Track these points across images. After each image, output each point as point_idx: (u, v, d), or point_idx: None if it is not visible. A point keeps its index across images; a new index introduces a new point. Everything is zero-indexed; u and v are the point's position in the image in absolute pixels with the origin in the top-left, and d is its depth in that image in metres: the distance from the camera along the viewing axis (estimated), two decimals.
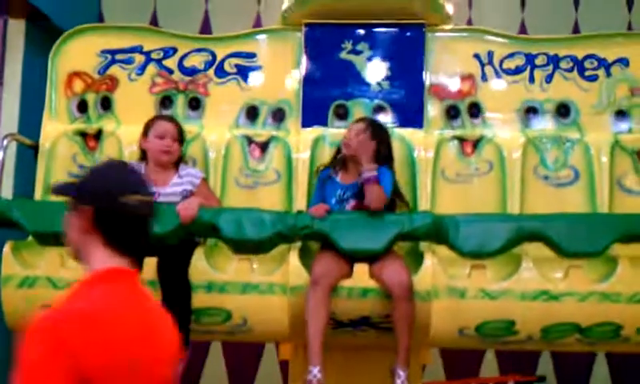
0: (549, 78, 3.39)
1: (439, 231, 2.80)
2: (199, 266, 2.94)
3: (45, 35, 3.88)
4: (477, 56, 3.42)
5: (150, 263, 2.90)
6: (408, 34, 3.39)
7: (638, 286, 2.83)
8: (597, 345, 2.99)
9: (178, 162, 3.13)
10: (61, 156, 3.42)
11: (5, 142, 3.18)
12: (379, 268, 2.81)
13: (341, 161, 3.08)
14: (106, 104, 3.49)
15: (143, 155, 3.12)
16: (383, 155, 3.00)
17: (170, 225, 2.83)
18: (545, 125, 3.38)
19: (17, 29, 3.90)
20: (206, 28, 4.57)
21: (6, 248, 3.02)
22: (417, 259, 2.96)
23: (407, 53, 3.39)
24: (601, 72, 3.37)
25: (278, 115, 3.46)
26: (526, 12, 4.57)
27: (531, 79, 3.40)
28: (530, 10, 4.58)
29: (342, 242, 2.79)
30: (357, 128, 3.05)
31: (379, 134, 3.04)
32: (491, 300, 2.87)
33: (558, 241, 2.77)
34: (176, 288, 2.86)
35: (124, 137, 3.42)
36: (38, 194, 3.36)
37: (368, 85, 3.40)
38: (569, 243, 2.76)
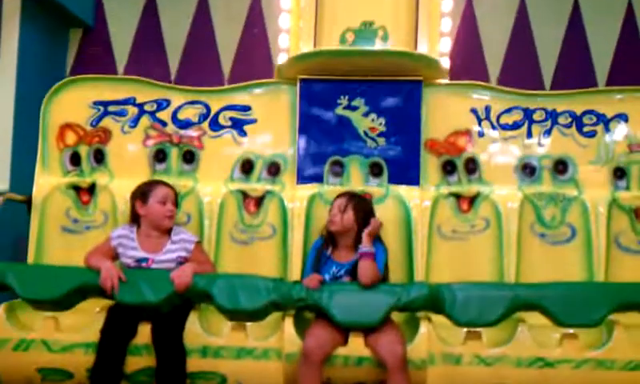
0: (547, 134, 3.44)
1: (436, 302, 2.83)
2: (194, 330, 2.98)
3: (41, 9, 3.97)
4: (474, 111, 3.46)
5: (145, 328, 2.97)
6: (404, 89, 3.41)
7: (633, 354, 2.87)
8: None
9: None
10: (54, 210, 3.47)
11: None
12: (374, 339, 2.84)
13: (331, 239, 3.13)
14: (99, 157, 3.52)
15: (134, 218, 3.15)
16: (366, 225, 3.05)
17: (165, 292, 2.88)
18: (542, 181, 3.42)
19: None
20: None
21: (1, 311, 3.05)
22: (413, 326, 3.00)
23: (403, 108, 3.41)
24: (599, 128, 3.42)
25: (273, 169, 3.50)
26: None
27: (529, 135, 3.44)
28: None
29: (338, 315, 2.83)
30: (339, 204, 3.11)
31: (362, 207, 3.10)
32: (486, 366, 2.91)
33: (555, 312, 2.80)
34: (170, 353, 2.91)
35: (117, 191, 3.46)
36: (32, 249, 3.41)
37: (364, 141, 3.43)
38: (565, 315, 2.80)
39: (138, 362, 2.92)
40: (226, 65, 4.39)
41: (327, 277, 3.05)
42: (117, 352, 2.89)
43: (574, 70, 4.25)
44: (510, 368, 2.91)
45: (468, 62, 4.17)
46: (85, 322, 3.04)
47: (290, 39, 3.64)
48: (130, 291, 2.88)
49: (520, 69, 4.26)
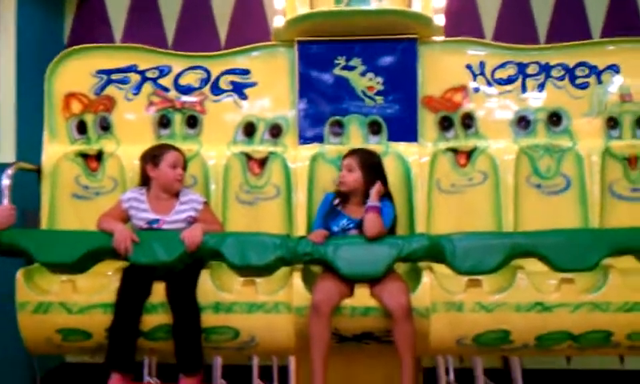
0: (540, 87, 3.53)
1: (436, 252, 2.97)
2: (206, 287, 3.12)
3: None
4: (469, 67, 3.54)
5: (159, 287, 3.12)
6: (400, 48, 3.48)
7: (628, 296, 3.03)
8: (588, 350, 3.19)
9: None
10: (64, 178, 3.56)
11: (10, 171, 3.31)
12: (379, 290, 2.99)
13: (342, 194, 3.24)
14: (105, 124, 3.60)
15: (144, 181, 3.26)
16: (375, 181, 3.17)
17: (176, 252, 3.02)
18: (537, 134, 3.52)
19: None
20: None
21: (19, 275, 3.17)
22: (415, 276, 3.14)
23: (400, 67, 3.49)
24: (592, 79, 3.52)
25: (275, 131, 3.59)
26: None
27: (523, 88, 3.53)
28: None
29: (343, 268, 2.97)
30: (348, 164, 3.23)
31: (370, 165, 3.22)
32: (487, 312, 3.06)
33: (551, 258, 2.95)
34: (185, 310, 3.06)
35: (124, 157, 3.55)
36: (44, 217, 3.52)
37: (362, 100, 3.52)
38: (561, 260, 2.94)
39: (154, 319, 3.07)
40: (222, 29, 4.46)
41: (336, 229, 3.18)
42: (133, 311, 3.03)
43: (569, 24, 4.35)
44: (510, 313, 3.06)
45: (463, 17, 4.24)
46: (101, 284, 3.17)
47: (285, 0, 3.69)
48: (143, 252, 3.01)
49: (514, 23, 4.34)
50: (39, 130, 3.64)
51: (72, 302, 3.13)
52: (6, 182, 3.28)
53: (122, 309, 3.03)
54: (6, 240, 3.07)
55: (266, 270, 3.05)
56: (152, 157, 3.27)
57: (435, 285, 3.08)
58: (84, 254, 3.02)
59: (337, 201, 3.25)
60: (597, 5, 4.35)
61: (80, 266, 3.07)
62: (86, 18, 4.54)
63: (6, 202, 3.23)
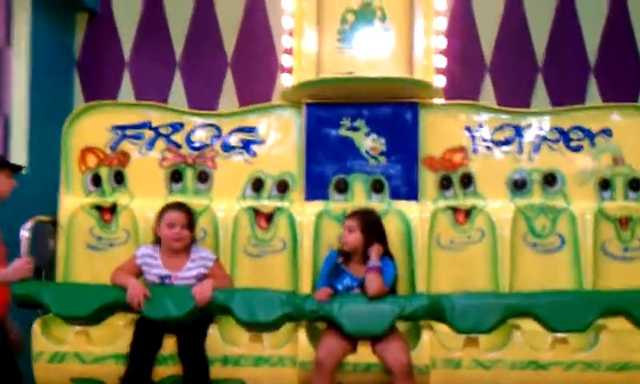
0: (536, 149, 3.69)
1: (436, 312, 3.11)
2: (215, 341, 3.25)
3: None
4: (468, 128, 3.71)
5: (170, 340, 3.23)
6: (402, 111, 3.67)
7: (619, 356, 3.15)
8: None
9: (190, 243, 3.40)
10: (79, 229, 3.72)
11: (29, 224, 3.46)
12: (381, 347, 3.12)
13: (345, 253, 3.38)
14: (119, 178, 3.77)
15: (158, 240, 3.41)
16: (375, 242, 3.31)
17: (187, 307, 3.15)
18: (533, 194, 3.67)
19: None
20: None
21: (35, 326, 3.31)
22: (416, 333, 3.27)
23: (402, 129, 3.67)
24: (586, 143, 3.67)
25: (282, 187, 3.75)
26: None
27: (520, 150, 3.69)
28: None
29: (347, 325, 3.10)
30: (349, 225, 3.36)
31: (369, 227, 3.34)
32: (485, 369, 3.19)
33: (546, 319, 3.09)
34: (195, 362, 3.19)
35: (138, 210, 3.72)
36: (60, 266, 3.67)
37: (366, 160, 3.69)
38: (556, 321, 3.09)
39: (165, 370, 3.21)
40: (229, 45, 4.60)
41: (340, 287, 3.31)
42: (146, 362, 3.17)
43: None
44: (506, 370, 3.19)
45: (464, 41, 4.40)
46: (113, 335, 3.31)
47: (293, 21, 3.83)
48: (155, 307, 3.15)
49: (513, 51, 4.49)
50: (50, 139, 3.85)
51: (86, 352, 3.28)
52: (25, 234, 3.45)
53: (135, 360, 3.16)
54: (24, 292, 3.22)
55: (272, 326, 3.19)
56: (157, 217, 3.41)
57: (435, 342, 3.21)
58: (99, 308, 3.17)
59: (340, 259, 3.40)
60: (592, 36, 4.48)
61: (94, 318, 3.22)
62: (96, 35, 4.67)
63: (23, 254, 3.39)
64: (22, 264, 3.28)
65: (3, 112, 4.05)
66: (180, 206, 3.42)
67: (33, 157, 4.02)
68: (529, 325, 3.21)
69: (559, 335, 3.21)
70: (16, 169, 3.51)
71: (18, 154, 4.01)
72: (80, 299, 3.21)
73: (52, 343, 3.30)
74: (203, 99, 4.50)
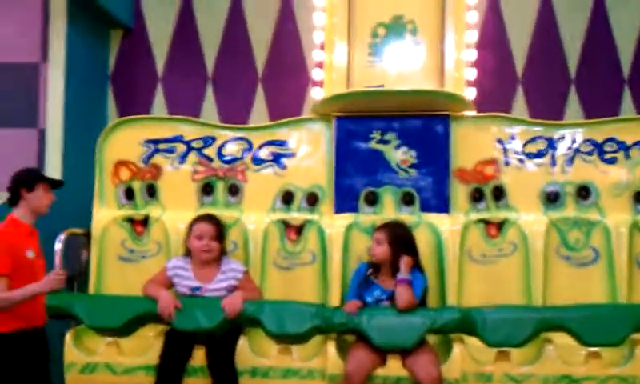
0: (569, 162, 3.66)
1: (467, 325, 3.10)
2: (244, 353, 3.29)
3: (84, 11, 4.31)
4: (500, 141, 3.69)
5: (199, 351, 3.28)
6: (433, 124, 3.67)
7: None
8: None
9: (221, 255, 3.44)
10: (111, 241, 3.79)
11: (63, 237, 3.54)
12: (411, 361, 3.11)
13: (375, 265, 3.39)
14: (152, 191, 3.84)
15: (189, 252, 3.44)
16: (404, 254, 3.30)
17: (217, 319, 3.18)
18: (566, 207, 3.64)
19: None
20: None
21: (68, 337, 3.39)
22: (446, 347, 3.26)
23: (433, 141, 3.67)
24: (620, 155, 3.63)
25: (312, 199, 3.77)
26: None
27: (553, 162, 3.66)
28: None
29: (376, 338, 3.11)
30: (377, 237, 3.36)
31: (398, 239, 3.34)
32: None
33: (579, 332, 3.05)
34: (224, 374, 3.22)
35: (169, 222, 3.77)
36: (93, 278, 3.74)
37: (396, 172, 3.69)
38: (589, 335, 3.05)
39: (195, 382, 3.25)
40: (260, 60, 4.66)
41: (370, 299, 3.32)
42: (176, 373, 3.21)
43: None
44: None
45: (495, 54, 4.39)
46: (144, 346, 3.37)
47: (324, 35, 3.88)
48: (186, 318, 3.18)
49: (545, 63, 4.47)
50: (84, 152, 3.97)
51: (117, 363, 3.34)
52: (58, 246, 3.53)
53: (165, 371, 3.20)
54: (57, 303, 3.29)
55: (301, 338, 3.20)
56: (187, 229, 3.45)
57: (465, 356, 3.19)
58: (130, 319, 3.22)
59: (370, 271, 3.40)
60: (626, 47, 4.43)
61: (126, 329, 3.26)
62: (130, 50, 4.77)
63: (57, 266, 3.46)
64: (54, 276, 3.36)
65: (39, 126, 4.16)
66: (209, 218, 3.45)
67: (67, 170, 4.12)
68: (561, 338, 3.18)
69: (593, 349, 3.17)
70: (56, 184, 3.60)
71: (53, 168, 4.11)
72: (112, 311, 3.26)
73: (84, 354, 3.38)
74: (234, 113, 4.55)
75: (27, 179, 3.46)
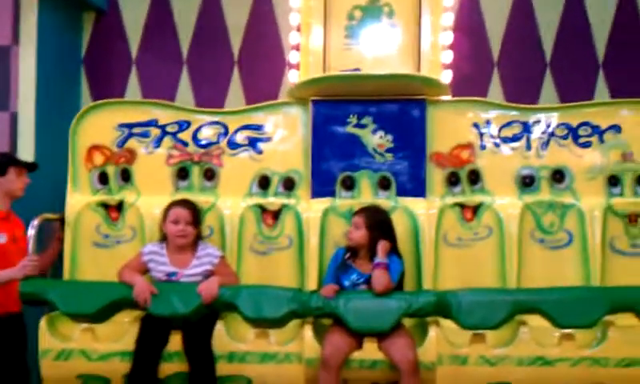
0: (544, 146, 3.71)
1: (443, 308, 3.15)
2: (221, 337, 3.30)
3: None
4: (476, 125, 3.73)
5: (176, 336, 3.28)
6: (409, 107, 3.69)
7: (626, 352, 3.19)
8: None
9: (197, 240, 3.45)
10: (85, 227, 3.77)
11: (36, 222, 3.50)
12: (387, 344, 3.16)
13: (352, 249, 3.42)
14: (126, 176, 3.82)
15: (164, 237, 3.44)
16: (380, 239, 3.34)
17: (193, 304, 3.20)
18: (541, 190, 3.69)
19: None
20: None
21: (42, 323, 3.37)
22: (422, 330, 3.31)
23: (409, 125, 3.69)
24: (594, 139, 3.69)
25: (289, 184, 3.78)
26: None
27: (528, 146, 3.71)
28: None
29: (352, 322, 3.15)
30: (355, 222, 3.40)
31: (375, 224, 3.38)
32: (491, 366, 3.23)
33: (553, 315, 3.13)
34: (201, 359, 3.24)
35: (144, 207, 3.77)
36: (67, 264, 3.72)
37: (373, 157, 3.71)
38: (563, 317, 3.12)
39: (171, 367, 3.26)
40: (236, 43, 4.61)
41: (347, 283, 3.36)
42: (152, 359, 3.22)
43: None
44: (513, 367, 3.23)
45: (471, 37, 4.41)
46: (119, 332, 3.37)
47: (300, 17, 3.86)
48: (161, 304, 3.20)
49: (521, 47, 4.50)
50: (57, 137, 3.94)
51: (92, 350, 3.34)
52: (32, 232, 3.50)
53: (141, 357, 3.21)
54: (31, 290, 3.29)
55: (278, 323, 3.23)
56: (163, 214, 3.46)
57: (441, 338, 3.24)
58: (105, 305, 3.22)
59: (347, 255, 3.43)
60: (600, 31, 4.47)
61: (101, 316, 3.27)
62: (103, 33, 4.70)
63: (30, 251, 3.44)
64: (28, 262, 3.35)
65: (10, 109, 4.11)
66: (185, 203, 3.46)
67: (40, 154, 4.07)
68: (536, 321, 3.24)
69: (566, 331, 3.23)
70: (30, 167, 3.57)
71: (26, 152, 4.06)
72: (87, 297, 3.27)
73: (58, 340, 3.37)
74: (210, 97, 4.52)
75: None
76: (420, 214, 3.64)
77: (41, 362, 3.35)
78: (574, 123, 3.71)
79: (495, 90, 4.49)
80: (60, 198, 3.85)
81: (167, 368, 3.26)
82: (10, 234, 3.48)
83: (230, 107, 4.28)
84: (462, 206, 3.71)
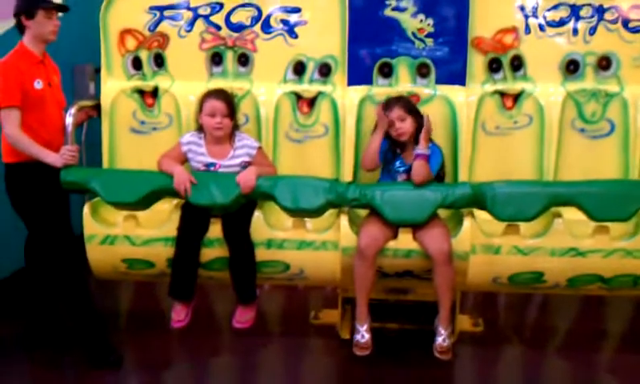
0: (592, 31, 3.70)
1: (478, 200, 3.32)
2: (259, 226, 3.55)
3: None
4: (521, 8, 3.71)
5: (215, 224, 3.55)
6: None
7: None
8: (616, 291, 3.57)
9: (233, 131, 3.60)
10: (122, 113, 3.94)
11: (73, 110, 3.68)
12: (422, 234, 3.38)
13: (401, 145, 3.56)
14: (159, 61, 3.92)
15: (201, 127, 3.60)
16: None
17: (232, 194, 3.42)
18: (585, 78, 3.72)
19: None
20: None
21: (86, 209, 3.65)
22: (457, 220, 3.51)
23: (451, 8, 3.69)
24: None
25: (325, 70, 3.85)
26: None
27: (574, 31, 3.71)
28: None
29: (388, 213, 3.35)
30: (398, 115, 3.50)
31: (414, 108, 3.54)
32: (523, 256, 3.45)
33: (589, 208, 3.28)
34: (241, 245, 3.51)
35: (179, 94, 3.90)
36: (105, 151, 3.93)
37: (412, 42, 3.75)
38: (599, 210, 3.27)
39: (212, 252, 3.54)
40: None
41: (391, 167, 3.55)
42: (193, 245, 3.50)
43: None
44: (546, 257, 3.44)
45: None
46: (161, 219, 3.64)
47: None
48: (201, 193, 3.42)
49: None
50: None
51: (135, 235, 3.62)
52: (69, 120, 3.68)
53: (183, 243, 3.50)
54: (72, 179, 3.53)
55: (315, 213, 3.45)
56: (198, 104, 3.60)
57: (475, 229, 3.44)
58: (146, 194, 3.46)
59: (393, 147, 3.57)
60: None
61: (143, 204, 3.52)
62: None
63: (70, 141, 3.64)
64: (67, 151, 3.56)
65: None
66: (220, 94, 3.58)
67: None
68: (570, 213, 3.41)
69: (600, 224, 3.40)
70: (60, 8, 3.63)
71: None
72: (128, 186, 3.50)
73: (102, 227, 3.65)
74: None
75: (26, 6, 3.57)
76: (459, 102, 3.71)
77: (87, 246, 3.66)
78: (625, 6, 3.66)
79: None
80: (94, 47, 3.95)
81: (209, 253, 3.54)
82: (46, 80, 3.68)
83: None
84: (502, 93, 3.77)
